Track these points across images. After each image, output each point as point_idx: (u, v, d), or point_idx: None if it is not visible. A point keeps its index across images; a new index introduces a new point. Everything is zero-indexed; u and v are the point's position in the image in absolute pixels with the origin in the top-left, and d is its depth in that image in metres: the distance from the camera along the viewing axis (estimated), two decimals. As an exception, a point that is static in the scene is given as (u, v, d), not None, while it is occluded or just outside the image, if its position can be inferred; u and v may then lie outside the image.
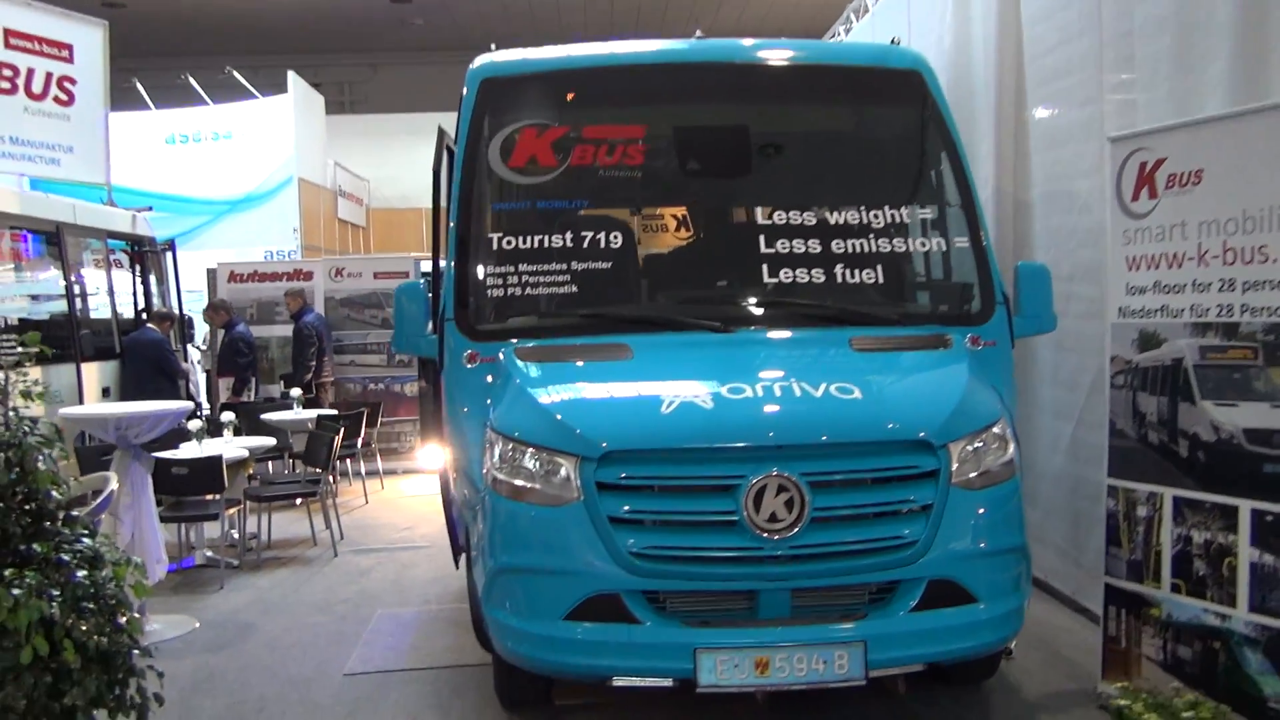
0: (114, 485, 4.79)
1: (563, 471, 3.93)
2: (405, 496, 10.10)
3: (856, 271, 4.73)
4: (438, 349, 4.80)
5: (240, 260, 12.89)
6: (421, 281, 5.03)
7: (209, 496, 6.85)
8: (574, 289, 4.69)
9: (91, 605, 3.52)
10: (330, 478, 8.12)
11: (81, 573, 3.55)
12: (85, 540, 3.69)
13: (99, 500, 4.45)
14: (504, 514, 4.03)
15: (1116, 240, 4.45)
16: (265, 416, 9.40)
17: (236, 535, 7.63)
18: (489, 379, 4.50)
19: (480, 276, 4.73)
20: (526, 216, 4.98)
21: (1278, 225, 3.80)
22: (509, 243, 4.79)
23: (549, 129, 5.00)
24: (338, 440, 7.79)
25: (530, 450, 4.01)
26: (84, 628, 3.44)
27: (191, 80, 16.65)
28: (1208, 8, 4.41)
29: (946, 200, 4.90)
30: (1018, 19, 6.22)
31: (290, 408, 9.69)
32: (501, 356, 4.50)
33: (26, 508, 3.57)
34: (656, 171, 5.09)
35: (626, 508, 3.83)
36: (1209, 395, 4.07)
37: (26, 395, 3.68)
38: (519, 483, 4.01)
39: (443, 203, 5.30)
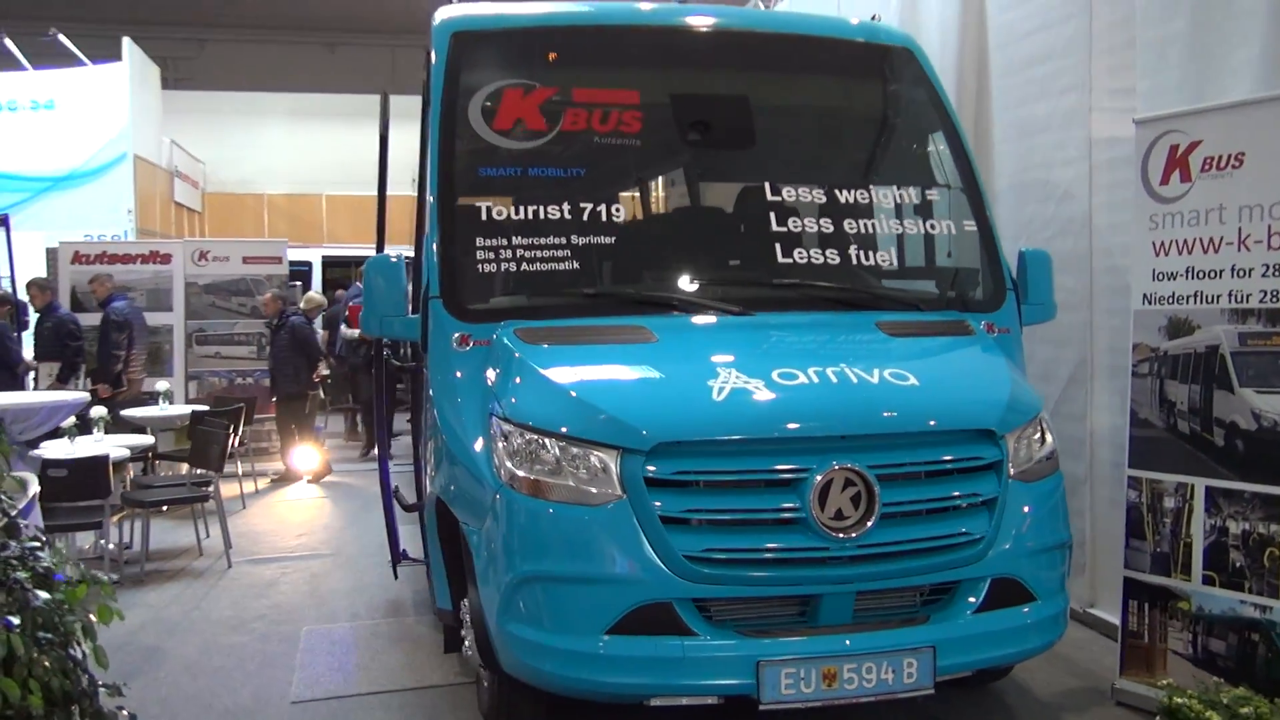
0: (36, 488, 4.01)
1: (600, 465, 3.48)
2: (285, 501, 9.25)
3: (870, 253, 4.48)
4: (420, 331, 4.24)
5: (84, 239, 11.61)
6: (396, 257, 4.43)
7: (91, 502, 5.97)
8: (575, 265, 4.22)
9: (49, 635, 2.85)
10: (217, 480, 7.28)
11: (42, 594, 2.87)
12: (40, 554, 3.00)
13: (22, 506, 3.68)
14: (526, 514, 3.54)
15: (1142, 225, 4.34)
16: (128, 413, 8.42)
17: (111, 546, 6.71)
18: (487, 363, 3.99)
19: (471, 250, 4.20)
20: (519, 184, 4.48)
21: (1330, 209, 3.75)
22: (500, 213, 4.28)
23: (535, 90, 4.51)
24: (232, 438, 6.99)
25: (556, 441, 3.54)
26: (46, 664, 2.78)
27: (9, 43, 15.00)
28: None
29: (950, 182, 4.69)
30: (981, 6, 6.14)
31: (155, 402, 8.73)
32: (499, 338, 4.00)
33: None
34: (656, 141, 4.67)
35: (680, 506, 3.41)
36: (1250, 383, 4.00)
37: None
38: (544, 478, 3.53)
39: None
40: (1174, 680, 4.14)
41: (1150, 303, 4.33)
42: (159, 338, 10.44)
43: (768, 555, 3.40)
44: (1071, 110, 5.33)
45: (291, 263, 11.92)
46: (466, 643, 4.25)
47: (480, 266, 4.19)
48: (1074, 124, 5.32)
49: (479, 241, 4.21)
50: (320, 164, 18.85)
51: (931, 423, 3.61)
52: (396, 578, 5.75)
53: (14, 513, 3.03)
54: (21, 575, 2.88)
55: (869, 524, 3.42)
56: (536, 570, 3.50)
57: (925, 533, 3.51)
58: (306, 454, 9.80)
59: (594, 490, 3.47)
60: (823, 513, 3.40)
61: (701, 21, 4.85)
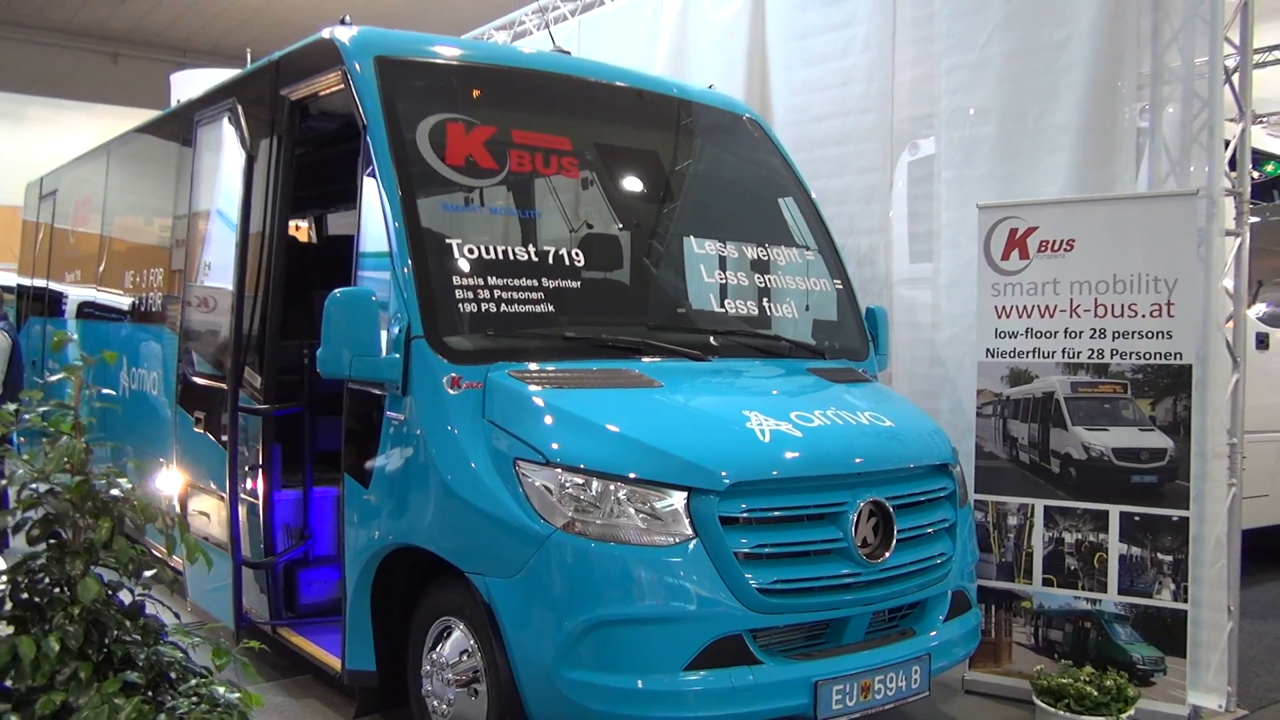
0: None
1: (668, 506, 3.59)
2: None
3: (777, 305, 4.96)
4: (401, 372, 3.99)
5: None
6: (369, 290, 4.10)
7: None
8: (549, 308, 4.24)
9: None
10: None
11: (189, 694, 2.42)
12: (170, 639, 2.52)
13: None
14: (591, 558, 3.54)
15: (985, 291, 5.26)
16: None
17: None
18: (488, 405, 3.88)
19: (449, 289, 4.05)
20: (481, 222, 4.38)
21: (1144, 288, 4.88)
22: (471, 251, 4.18)
23: (476, 127, 4.46)
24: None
25: (619, 484, 3.59)
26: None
27: None
28: (1039, 108, 5.44)
29: (816, 245, 5.32)
30: (765, 87, 6.90)
31: None
32: (494, 380, 3.92)
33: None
34: (593, 189, 4.78)
35: (750, 542, 3.62)
36: (1080, 422, 5.02)
37: None
38: (606, 521, 3.56)
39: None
40: (1014, 667, 5.06)
41: (993, 355, 5.25)
42: None
43: (822, 583, 3.72)
44: (872, 186, 6.23)
45: None
46: (435, 702, 4.03)
47: (462, 306, 4.06)
48: (874, 199, 6.21)
49: (458, 280, 4.09)
50: None
51: (917, 459, 4.16)
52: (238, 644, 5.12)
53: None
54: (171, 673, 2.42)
55: (889, 549, 3.86)
56: (607, 614, 3.51)
57: (924, 554, 4.03)
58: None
59: (663, 531, 3.57)
60: (856, 541, 3.80)
61: (615, 76, 5.09)
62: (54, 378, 2.44)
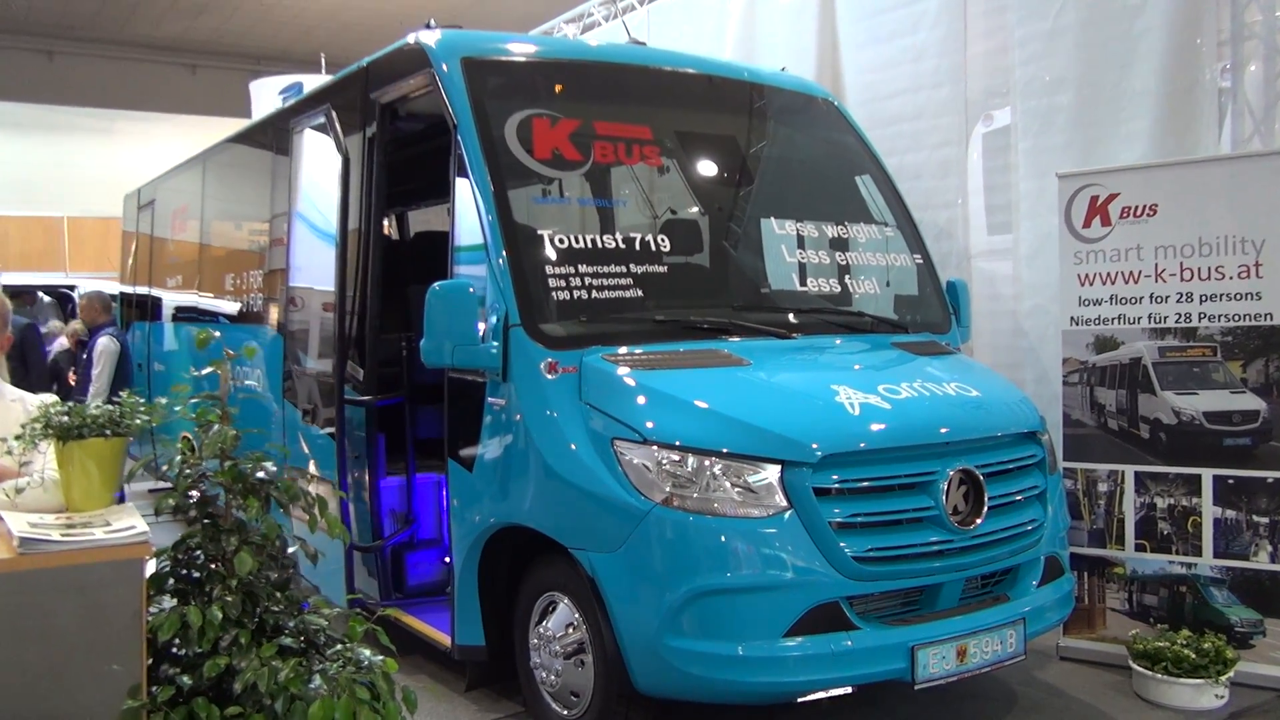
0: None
1: (763, 479, 3.71)
2: None
3: (863, 281, 5.04)
4: (500, 360, 4.17)
5: None
6: (467, 281, 4.29)
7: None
8: (639, 292, 4.39)
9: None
10: None
11: (335, 659, 2.62)
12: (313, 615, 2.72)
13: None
14: (692, 531, 3.68)
15: (1067, 260, 5.27)
16: None
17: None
18: (585, 388, 4.04)
19: (543, 279, 4.22)
20: (569, 213, 4.54)
21: (1231, 250, 4.85)
22: (562, 241, 4.34)
23: (560, 120, 4.61)
24: None
25: (714, 459, 3.72)
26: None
27: None
28: (1116, 74, 5.43)
29: (894, 221, 5.38)
30: (836, 67, 6.95)
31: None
32: (589, 364, 4.07)
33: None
34: (674, 175, 4.91)
35: (844, 512, 3.73)
36: (1169, 386, 5.02)
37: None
38: (704, 495, 3.70)
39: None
40: (1109, 633, 5.09)
41: (1077, 323, 5.26)
42: None
43: (916, 550, 3.81)
44: (947, 160, 6.25)
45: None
46: (544, 673, 4.22)
47: (555, 295, 4.22)
48: (949, 173, 6.25)
49: (551, 269, 4.25)
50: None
51: (1004, 427, 4.22)
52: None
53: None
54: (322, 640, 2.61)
55: (980, 517, 3.94)
56: (706, 584, 3.65)
57: (1015, 520, 4.10)
58: None
59: (758, 502, 3.69)
60: (948, 509, 3.88)
61: (691, 64, 5.22)
62: (203, 371, 2.65)
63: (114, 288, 10.45)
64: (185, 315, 8.32)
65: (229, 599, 2.34)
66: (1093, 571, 5.21)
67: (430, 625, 4.95)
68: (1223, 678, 4.54)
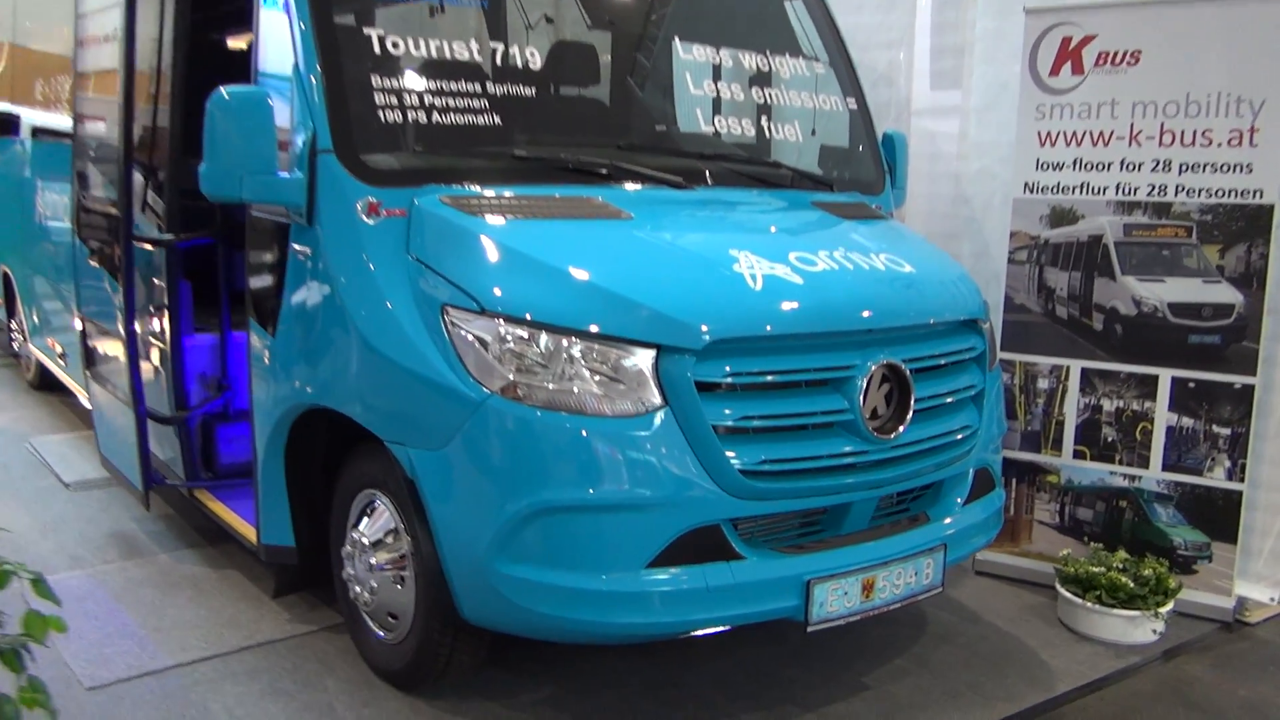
0: None
1: (634, 368, 2.87)
2: None
3: (783, 126, 4.14)
4: (305, 195, 3.20)
5: None
6: (264, 90, 3.28)
7: None
8: (494, 120, 3.43)
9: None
10: None
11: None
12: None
13: None
14: (538, 430, 2.84)
15: (1027, 112, 4.41)
16: None
17: None
18: (413, 237, 3.13)
19: (367, 93, 3.23)
20: (411, 11, 3.51)
21: (1222, 110, 4.04)
22: (396, 45, 3.33)
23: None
24: None
25: (568, 339, 2.86)
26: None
27: None
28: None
29: (828, 56, 4.44)
30: None
31: None
32: (421, 207, 3.14)
33: None
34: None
35: (734, 413, 2.91)
36: (1131, 270, 4.26)
37: None
38: (557, 384, 2.85)
39: None
40: (1034, 547, 4.47)
41: (1031, 191, 4.44)
42: None
43: (820, 463, 3.03)
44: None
45: None
46: (358, 588, 3.43)
47: (382, 114, 3.25)
48: (895, 7, 5.29)
49: (375, 82, 3.26)
50: None
51: (940, 313, 3.41)
52: (149, 509, 4.52)
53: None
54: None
55: (903, 424, 3.16)
56: (553, 498, 2.83)
57: (945, 428, 3.33)
58: None
59: (624, 397, 2.86)
60: (865, 413, 3.09)
61: None
62: None
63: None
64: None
65: None
66: (1022, 479, 4.54)
67: (239, 516, 4.12)
68: (1163, 609, 3.93)
